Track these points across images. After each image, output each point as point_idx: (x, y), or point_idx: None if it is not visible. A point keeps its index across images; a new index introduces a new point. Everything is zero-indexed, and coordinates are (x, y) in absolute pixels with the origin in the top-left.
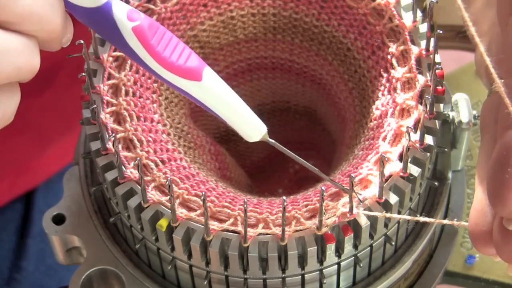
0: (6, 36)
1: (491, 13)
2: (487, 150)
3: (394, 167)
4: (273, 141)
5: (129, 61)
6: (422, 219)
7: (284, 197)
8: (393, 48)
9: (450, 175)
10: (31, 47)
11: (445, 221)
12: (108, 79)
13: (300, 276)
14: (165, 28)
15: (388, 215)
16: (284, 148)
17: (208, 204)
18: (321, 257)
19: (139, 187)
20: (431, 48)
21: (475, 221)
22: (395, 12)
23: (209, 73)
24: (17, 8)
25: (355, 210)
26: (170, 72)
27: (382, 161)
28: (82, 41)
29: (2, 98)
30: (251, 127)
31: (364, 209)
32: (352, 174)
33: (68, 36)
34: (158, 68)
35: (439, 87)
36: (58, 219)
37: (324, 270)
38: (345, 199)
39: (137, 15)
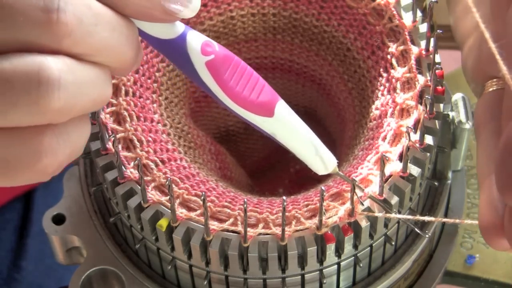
0: (81, 68)
1: (480, 12)
2: (486, 148)
3: (394, 167)
4: (342, 174)
5: None
6: (422, 218)
7: (284, 197)
8: (393, 48)
9: (450, 175)
10: (105, 78)
11: (446, 220)
12: None
13: (300, 276)
14: (239, 59)
15: (393, 215)
16: (347, 178)
17: (208, 204)
18: (321, 257)
19: (139, 187)
20: (431, 48)
21: (485, 216)
22: (395, 12)
23: (281, 108)
24: (93, 41)
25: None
26: (242, 108)
27: (382, 161)
28: None
29: (74, 131)
30: (322, 161)
31: (364, 209)
32: (353, 175)
33: (140, 61)
34: (230, 103)
35: (439, 87)
36: (58, 219)
37: (324, 270)
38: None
39: (211, 48)
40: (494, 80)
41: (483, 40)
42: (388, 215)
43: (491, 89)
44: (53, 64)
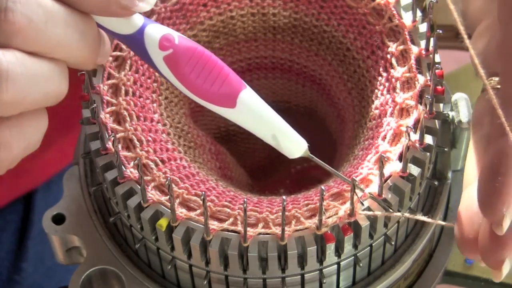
0: (33, 62)
1: (492, 11)
2: (476, 151)
3: (393, 167)
4: (314, 157)
5: (128, 61)
6: (422, 218)
7: (284, 197)
8: (392, 47)
9: (450, 175)
10: (60, 73)
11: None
12: (108, 79)
13: (300, 276)
14: (202, 48)
15: (397, 213)
16: (324, 163)
17: (208, 203)
18: (320, 256)
19: (139, 187)
20: (430, 48)
21: (463, 227)
22: (394, 12)
23: (244, 98)
24: (44, 38)
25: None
26: (203, 100)
27: (381, 161)
28: None
29: (28, 125)
30: (292, 145)
31: (364, 209)
32: (353, 175)
33: (105, 55)
34: (191, 95)
35: (439, 87)
36: (58, 219)
37: (324, 270)
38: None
39: (170, 42)
40: (496, 78)
41: (492, 39)
42: (389, 213)
43: (491, 86)
44: (1, 56)
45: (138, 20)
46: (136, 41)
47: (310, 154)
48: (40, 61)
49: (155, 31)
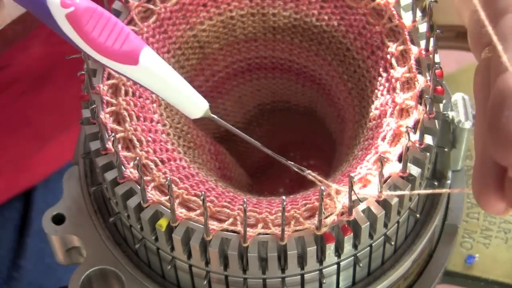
0: None
1: None
2: (481, 112)
3: (393, 167)
4: (215, 116)
5: None
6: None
7: (284, 197)
8: (392, 48)
9: (449, 175)
10: None
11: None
12: (108, 79)
13: (299, 276)
14: (102, 9)
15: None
16: (229, 125)
17: (208, 204)
18: (320, 257)
19: (139, 187)
20: (430, 48)
21: (479, 180)
22: (394, 12)
23: (146, 56)
24: None
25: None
26: (105, 57)
27: (381, 161)
28: None
29: None
30: (192, 105)
31: (364, 210)
32: (352, 175)
33: (3, 19)
34: (94, 54)
35: (439, 87)
36: (58, 219)
37: (323, 270)
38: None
39: (71, 0)
40: (490, 47)
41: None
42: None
43: (484, 56)
44: None
45: None
46: (37, 0)
47: (211, 114)
48: None
49: None
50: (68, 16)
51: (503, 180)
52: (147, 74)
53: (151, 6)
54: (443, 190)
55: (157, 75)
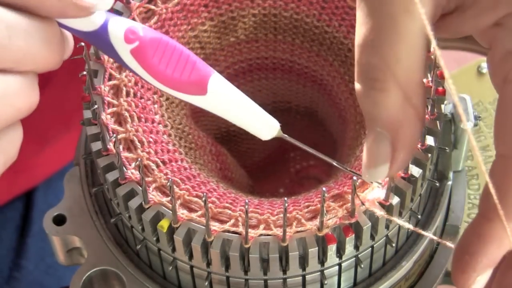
0: (2, 80)
1: None
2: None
3: None
4: (287, 136)
5: None
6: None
7: (286, 198)
8: None
9: (451, 175)
10: (30, 85)
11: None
12: (109, 80)
13: (301, 277)
14: (166, 38)
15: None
16: (300, 143)
17: (209, 205)
18: (322, 258)
19: (140, 188)
20: (431, 49)
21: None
22: None
23: (214, 84)
24: (9, 54)
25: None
26: (174, 90)
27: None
28: (82, 43)
29: (4, 140)
30: (264, 126)
31: (365, 212)
32: (354, 177)
33: (69, 51)
34: (162, 87)
35: (440, 88)
36: (59, 220)
37: (325, 271)
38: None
39: (135, 35)
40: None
41: None
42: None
43: None
44: None
45: (99, 16)
46: (100, 37)
47: (283, 134)
48: (7, 78)
49: (119, 25)
50: (133, 51)
51: None
52: (217, 102)
53: (153, 7)
54: (429, 234)
55: (226, 102)
